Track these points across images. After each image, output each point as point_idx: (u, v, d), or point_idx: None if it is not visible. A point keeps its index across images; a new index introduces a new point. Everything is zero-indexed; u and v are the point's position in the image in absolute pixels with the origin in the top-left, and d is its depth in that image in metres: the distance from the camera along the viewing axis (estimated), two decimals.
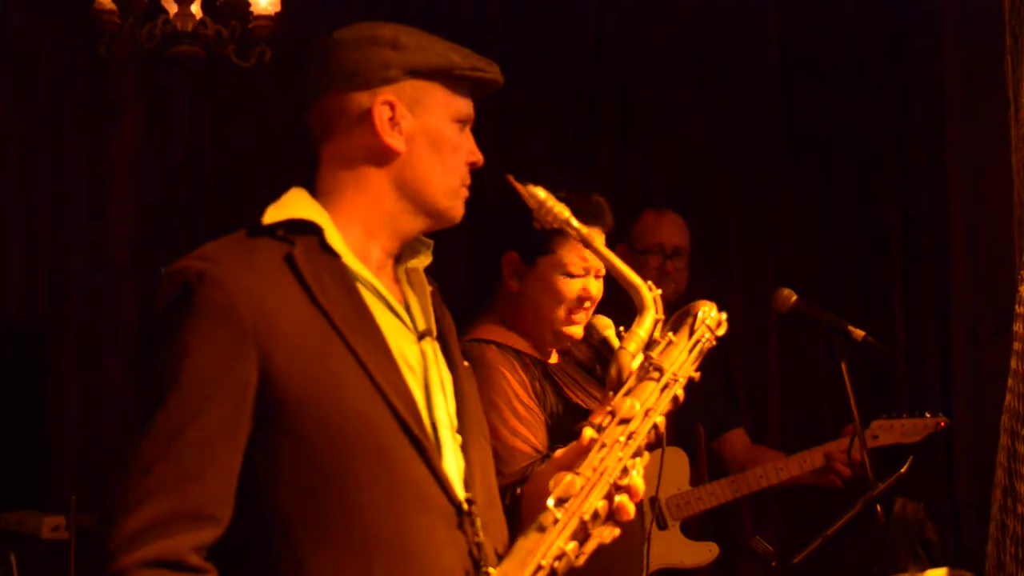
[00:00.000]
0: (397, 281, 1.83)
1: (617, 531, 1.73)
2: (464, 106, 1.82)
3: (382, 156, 1.76)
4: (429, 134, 1.78)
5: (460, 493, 1.69)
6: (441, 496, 1.66)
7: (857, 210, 5.06)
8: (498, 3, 5.08)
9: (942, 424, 3.63)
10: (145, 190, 5.06)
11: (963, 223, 4.59)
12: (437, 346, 1.80)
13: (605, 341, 2.58)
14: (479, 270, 2.75)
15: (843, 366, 3.21)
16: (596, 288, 2.70)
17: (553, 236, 2.58)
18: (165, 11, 4.22)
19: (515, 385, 2.60)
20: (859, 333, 3.23)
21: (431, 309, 1.82)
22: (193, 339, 1.56)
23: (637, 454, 1.74)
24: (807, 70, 5.11)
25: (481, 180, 1.91)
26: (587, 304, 2.68)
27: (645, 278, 1.91)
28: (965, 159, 4.60)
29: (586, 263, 2.67)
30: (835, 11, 5.05)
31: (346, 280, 1.69)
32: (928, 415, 3.64)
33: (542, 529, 1.64)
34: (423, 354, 1.76)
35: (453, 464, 1.72)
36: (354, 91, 1.75)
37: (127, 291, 5.02)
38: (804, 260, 5.04)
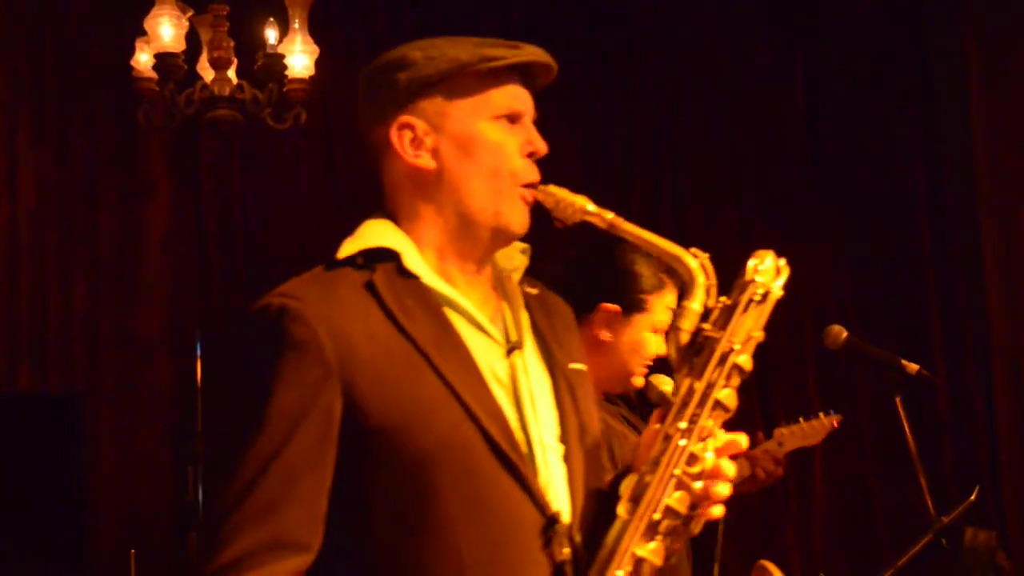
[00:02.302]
0: (496, 292, 1.79)
1: (715, 512, 1.63)
2: (504, 100, 1.73)
3: (419, 178, 1.72)
4: (459, 140, 1.71)
5: (555, 507, 1.65)
6: (535, 513, 1.63)
7: (889, 244, 5.11)
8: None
9: (835, 424, 3.60)
10: (177, 263, 5.12)
11: (995, 257, 4.64)
12: (535, 353, 1.76)
13: (664, 397, 2.61)
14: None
15: (898, 401, 3.20)
16: (663, 345, 2.75)
17: (650, 295, 2.66)
18: (201, 77, 4.30)
19: None
20: (913, 367, 3.21)
21: (522, 318, 1.77)
22: (277, 375, 1.57)
23: (707, 436, 1.62)
24: (834, 109, 5.20)
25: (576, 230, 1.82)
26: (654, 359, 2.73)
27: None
28: (996, 202, 4.66)
29: (667, 323, 2.71)
30: (859, 48, 5.15)
31: (429, 301, 1.67)
32: (822, 415, 3.52)
33: (617, 537, 1.60)
34: (512, 367, 1.71)
35: (552, 476, 1.68)
36: (376, 125, 1.74)
37: (160, 364, 5.05)
38: (841, 301, 5.08)
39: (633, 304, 2.68)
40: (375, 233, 1.71)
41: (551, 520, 1.63)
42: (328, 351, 1.57)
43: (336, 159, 5.20)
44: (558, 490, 1.68)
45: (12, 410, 4.66)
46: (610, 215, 1.73)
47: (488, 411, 1.63)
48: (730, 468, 1.63)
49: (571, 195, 1.73)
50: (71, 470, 4.63)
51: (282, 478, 1.56)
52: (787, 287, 1.66)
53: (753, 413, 4.87)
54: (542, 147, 1.75)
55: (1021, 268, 4.56)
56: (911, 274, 5.09)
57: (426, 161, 1.71)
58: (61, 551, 4.45)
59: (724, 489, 1.61)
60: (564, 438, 1.72)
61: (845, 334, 3.27)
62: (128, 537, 4.65)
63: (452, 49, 1.71)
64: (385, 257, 1.68)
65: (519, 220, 1.73)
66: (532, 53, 1.74)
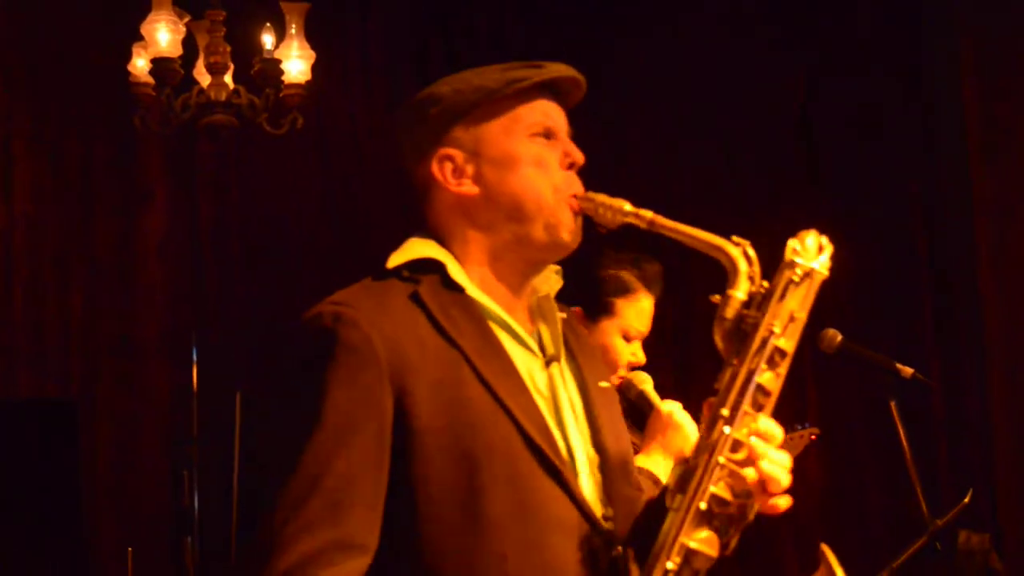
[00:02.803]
0: (530, 313, 1.83)
1: (780, 503, 1.61)
2: (538, 117, 1.79)
3: (465, 205, 1.77)
4: (500, 162, 1.76)
5: (598, 511, 1.70)
6: (578, 516, 1.67)
7: (885, 246, 5.12)
8: (515, 55, 5.18)
9: (813, 436, 3.63)
10: (173, 268, 5.13)
11: (990, 258, 4.65)
12: (567, 369, 1.81)
13: (642, 395, 2.61)
14: None
15: (893, 405, 3.21)
16: (641, 353, 2.76)
17: (618, 299, 2.69)
18: (198, 82, 4.31)
19: None
20: (907, 371, 3.22)
21: (560, 335, 1.82)
22: (333, 378, 1.61)
23: (751, 422, 1.61)
24: (829, 112, 5.22)
25: None
26: (632, 367, 2.73)
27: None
28: (991, 204, 4.68)
29: (640, 330, 2.73)
30: (855, 53, 5.17)
31: (473, 312, 1.72)
32: (798, 427, 3.53)
33: (667, 529, 1.60)
34: (551, 378, 1.77)
35: (589, 483, 1.72)
36: (418, 164, 1.80)
37: (156, 369, 5.06)
38: (837, 304, 5.08)
39: (600, 308, 2.69)
40: (419, 247, 1.77)
41: (594, 524, 1.67)
42: (381, 355, 1.62)
43: (332, 164, 5.21)
44: (595, 496, 1.72)
45: (10, 415, 4.67)
46: (649, 214, 1.73)
47: (531, 418, 1.67)
48: (775, 455, 1.61)
49: (609, 199, 1.75)
50: (68, 475, 4.64)
51: (344, 479, 1.59)
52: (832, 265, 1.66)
53: None
54: (580, 157, 1.80)
55: (1017, 270, 4.58)
56: (906, 276, 5.10)
57: (469, 188, 1.77)
58: (59, 555, 4.46)
59: (778, 473, 1.59)
60: (599, 449, 1.76)
61: (840, 338, 3.28)
62: (126, 540, 4.65)
63: (478, 79, 1.78)
64: (430, 269, 1.74)
65: (571, 230, 1.77)
66: (556, 70, 1.80)
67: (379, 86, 5.22)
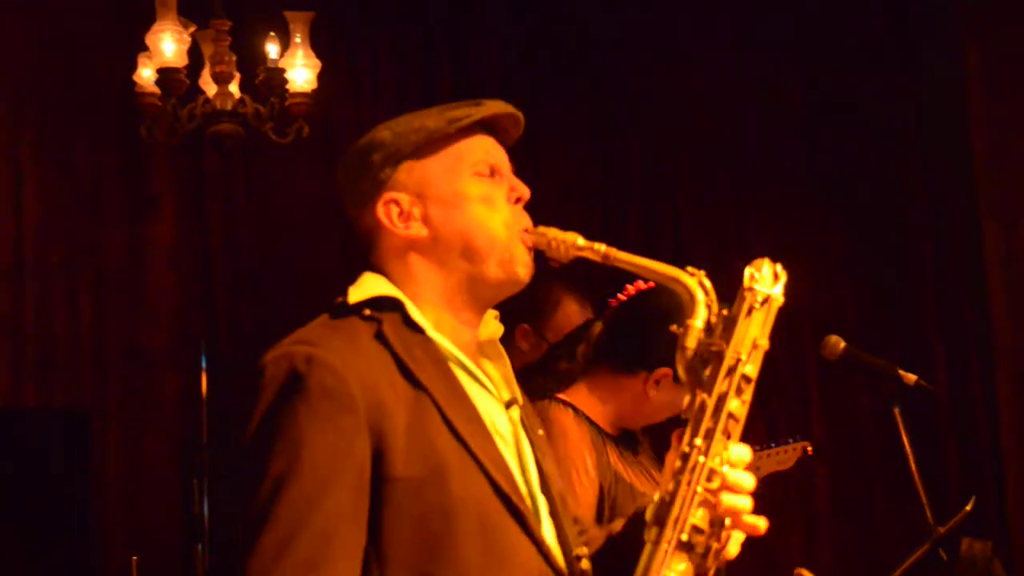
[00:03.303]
0: (475, 354, 1.81)
1: (759, 524, 1.64)
2: (481, 155, 1.78)
3: (415, 246, 1.76)
4: (445, 202, 1.75)
5: (559, 559, 1.69)
6: (543, 564, 1.67)
7: (890, 252, 5.11)
8: (521, 69, 5.20)
9: (807, 449, 3.65)
10: (181, 276, 5.15)
11: (997, 263, 4.64)
12: (522, 411, 1.81)
13: None
14: (610, 362, 2.76)
15: (896, 411, 3.20)
16: None
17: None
18: (204, 92, 4.33)
19: (582, 451, 2.63)
20: (911, 377, 3.20)
21: (512, 377, 1.82)
22: (309, 425, 1.57)
23: (722, 449, 1.63)
24: (831, 118, 5.21)
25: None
26: None
27: None
28: (998, 209, 4.66)
29: None
30: (857, 57, 5.16)
31: (435, 355, 1.70)
32: (791, 441, 3.65)
33: (647, 564, 1.59)
34: (512, 422, 1.77)
35: (549, 530, 1.73)
36: (363, 210, 1.78)
37: (166, 378, 5.08)
38: (842, 310, 5.08)
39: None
40: (378, 285, 1.74)
41: (557, 571, 1.68)
42: (358, 399, 1.58)
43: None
44: (554, 542, 1.72)
45: (19, 424, 4.69)
46: (602, 247, 1.73)
47: (497, 466, 1.66)
48: (747, 481, 1.63)
49: (561, 233, 1.75)
50: (78, 484, 4.66)
51: (322, 533, 1.54)
52: (787, 293, 1.67)
53: (756, 425, 4.87)
54: (526, 192, 1.80)
55: None
56: (912, 282, 5.09)
57: (418, 230, 1.75)
58: (68, 564, 4.47)
59: (742, 503, 1.62)
60: (546, 492, 1.76)
61: (843, 344, 3.27)
62: (134, 549, 4.67)
63: (417, 120, 1.77)
64: (389, 307, 1.71)
65: (525, 264, 1.77)
66: (495, 107, 1.80)
67: (387, 95, 5.23)
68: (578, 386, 2.77)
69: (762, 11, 5.31)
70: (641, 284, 2.74)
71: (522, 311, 3.04)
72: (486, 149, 1.79)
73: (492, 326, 1.84)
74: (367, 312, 1.69)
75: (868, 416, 4.89)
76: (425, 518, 1.59)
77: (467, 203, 1.75)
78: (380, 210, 1.76)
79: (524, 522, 1.65)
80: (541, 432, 1.86)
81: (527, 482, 1.72)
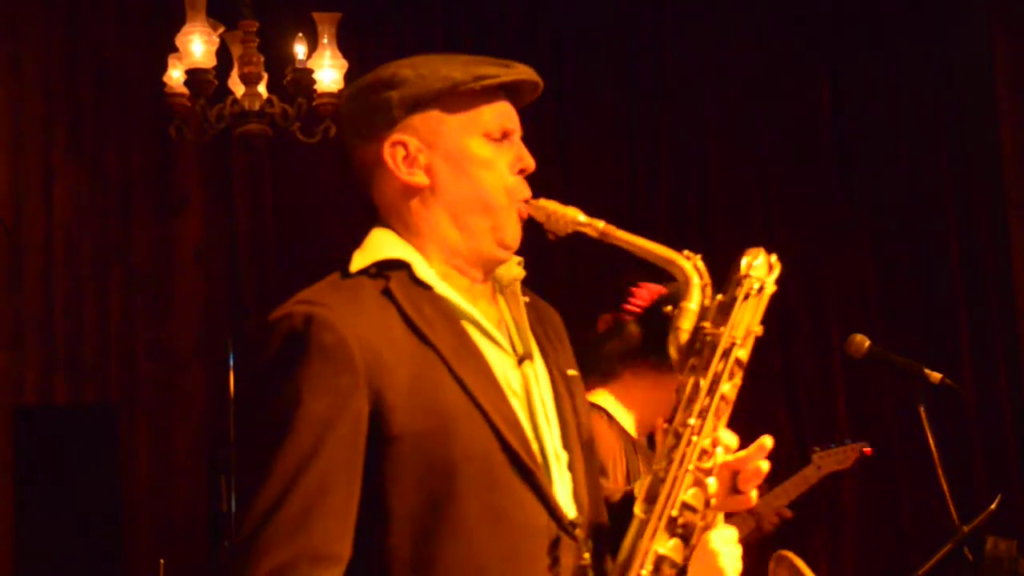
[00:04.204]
0: (494, 301, 1.80)
1: (721, 514, 1.68)
2: (494, 118, 1.74)
3: (413, 193, 1.72)
4: (452, 157, 1.72)
5: (569, 515, 1.68)
6: (550, 523, 1.65)
7: (918, 254, 5.11)
8: (552, 65, 5.23)
9: (867, 451, 3.70)
10: (210, 275, 5.19)
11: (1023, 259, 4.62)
12: (538, 364, 1.77)
13: None
14: (655, 354, 2.78)
15: (921, 410, 3.20)
16: None
17: None
18: (232, 92, 4.36)
19: (614, 456, 2.65)
20: (936, 376, 3.20)
21: (527, 328, 1.79)
22: (306, 382, 1.57)
23: (715, 430, 1.66)
24: (860, 111, 5.22)
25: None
26: None
27: None
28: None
29: None
30: (885, 50, 5.16)
31: (444, 310, 1.68)
32: (849, 442, 3.76)
33: (636, 537, 1.62)
34: (524, 377, 1.73)
35: (561, 485, 1.71)
36: (366, 143, 1.74)
37: (194, 374, 5.13)
38: (868, 307, 5.08)
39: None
40: (383, 244, 1.73)
41: (566, 530, 1.66)
42: (357, 357, 1.57)
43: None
44: (566, 498, 1.71)
45: (49, 421, 4.74)
46: (601, 224, 1.73)
47: (507, 421, 1.65)
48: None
49: (562, 207, 1.74)
50: (107, 480, 4.70)
51: (315, 488, 1.55)
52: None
53: (782, 421, 4.88)
54: (531, 163, 1.77)
55: None
56: (939, 278, 5.08)
57: (420, 178, 1.72)
58: (97, 560, 4.52)
59: (714, 486, 1.64)
60: (567, 445, 1.74)
61: (868, 343, 3.27)
62: (163, 545, 4.72)
63: (444, 67, 1.72)
64: (396, 267, 1.69)
65: (514, 236, 1.75)
66: (524, 72, 1.76)
67: None
68: (619, 381, 2.75)
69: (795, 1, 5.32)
70: (651, 286, 2.74)
71: (604, 299, 3.01)
72: (503, 112, 1.75)
73: (515, 271, 1.80)
74: (373, 271, 1.68)
75: (893, 415, 4.88)
76: (428, 474, 1.58)
77: (472, 163, 1.72)
78: (386, 149, 1.72)
79: (532, 478, 1.64)
80: (573, 372, 1.84)
81: (539, 438, 1.70)
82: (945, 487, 3.08)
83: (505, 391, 1.68)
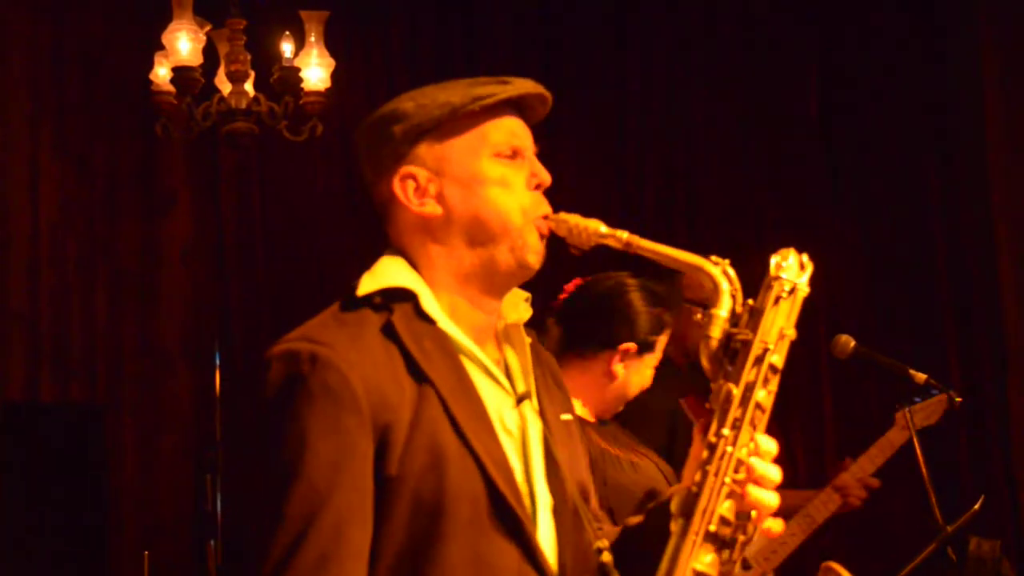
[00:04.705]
0: (497, 339, 1.78)
1: (774, 527, 1.59)
2: (502, 136, 1.73)
3: (428, 225, 1.71)
4: (462, 182, 1.71)
5: (552, 562, 1.66)
6: (529, 569, 1.63)
7: (904, 256, 5.12)
8: (537, 65, 5.23)
9: (956, 399, 3.39)
10: (196, 274, 5.18)
11: (1010, 263, 4.64)
12: (535, 405, 1.76)
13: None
14: (574, 348, 2.86)
15: (907, 410, 3.22)
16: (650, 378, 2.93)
17: (659, 337, 2.83)
18: (219, 90, 4.36)
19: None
20: (921, 376, 3.23)
21: (529, 368, 1.78)
22: (313, 425, 1.55)
23: (750, 440, 1.59)
24: (848, 116, 5.23)
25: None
26: None
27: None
28: (1011, 208, 4.66)
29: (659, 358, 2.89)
30: (873, 55, 5.17)
31: (445, 347, 1.67)
32: (935, 393, 3.39)
33: (674, 554, 1.56)
34: (522, 417, 1.73)
35: (548, 531, 1.69)
36: (379, 180, 1.74)
37: (180, 374, 5.12)
38: (856, 309, 5.08)
39: (646, 345, 2.84)
40: (392, 272, 1.71)
41: (545, 574, 1.64)
42: (361, 398, 1.56)
43: (355, 170, 5.24)
44: (549, 544, 1.69)
45: (35, 419, 4.72)
46: (624, 235, 1.69)
47: (498, 464, 1.63)
48: (774, 474, 1.59)
49: (583, 220, 1.71)
50: (92, 478, 4.69)
51: (330, 532, 1.53)
52: (812, 282, 1.65)
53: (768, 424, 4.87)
54: (547, 178, 1.75)
55: None
56: (926, 281, 5.09)
57: (432, 208, 1.71)
58: (82, 558, 4.50)
59: (768, 497, 1.58)
60: (554, 489, 1.72)
61: (853, 343, 3.28)
62: (148, 544, 4.71)
63: (443, 94, 1.71)
64: (401, 297, 1.68)
65: (536, 252, 1.72)
66: (522, 86, 1.74)
67: (402, 91, 5.24)
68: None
69: (782, 4, 5.33)
70: (579, 280, 2.88)
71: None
72: (510, 130, 1.74)
73: (521, 309, 1.79)
74: (378, 301, 1.66)
75: (879, 415, 4.89)
76: (417, 513, 1.57)
77: (484, 185, 1.70)
78: (396, 184, 1.72)
79: (518, 525, 1.62)
80: (566, 417, 1.83)
81: (530, 481, 1.69)
82: (929, 488, 3.09)
83: (499, 432, 1.67)
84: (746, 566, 3.44)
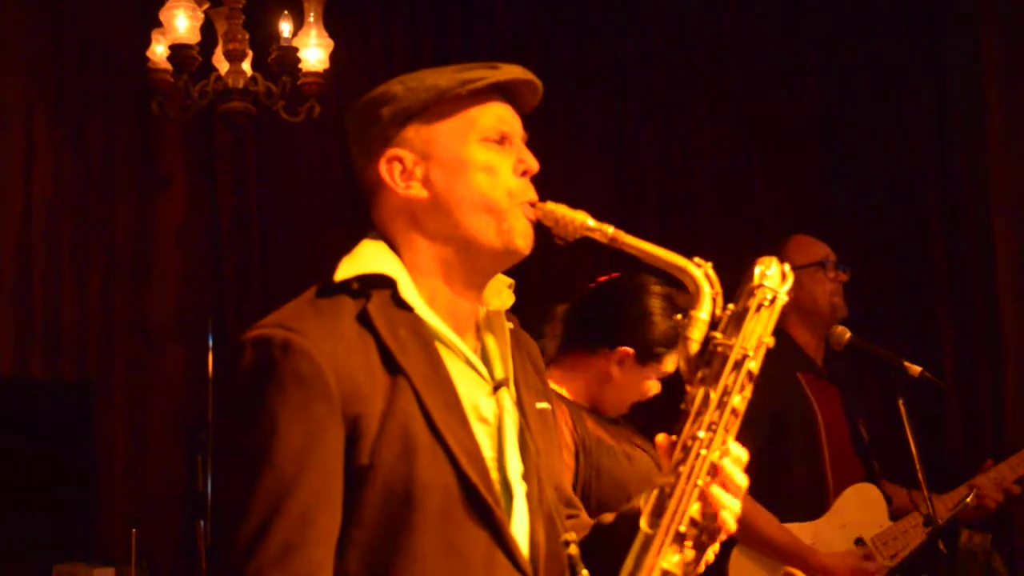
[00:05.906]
0: (477, 326, 1.78)
1: (723, 534, 1.63)
2: (489, 121, 1.73)
3: (413, 208, 1.72)
4: (448, 165, 1.71)
5: (525, 551, 1.68)
6: (505, 562, 1.65)
7: (902, 248, 5.10)
8: (537, 47, 5.21)
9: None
10: (191, 253, 5.17)
11: (1008, 257, 4.63)
12: (512, 393, 1.76)
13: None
14: (575, 341, 2.84)
15: (900, 403, 3.21)
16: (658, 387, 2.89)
17: (668, 350, 2.76)
18: (216, 69, 4.33)
19: (559, 422, 2.66)
20: (915, 369, 3.22)
21: (508, 355, 1.78)
22: (283, 411, 1.56)
23: (724, 444, 1.62)
24: (847, 109, 5.21)
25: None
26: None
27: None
28: (1009, 202, 4.65)
29: (668, 372, 2.83)
30: (873, 49, 5.16)
31: (421, 334, 1.67)
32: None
33: (640, 552, 1.59)
34: (499, 405, 1.73)
35: (522, 518, 1.70)
36: (367, 163, 1.75)
37: (172, 353, 5.11)
38: (853, 301, 5.07)
39: (648, 354, 2.79)
40: (372, 256, 1.71)
41: (520, 567, 1.65)
42: (333, 386, 1.57)
43: (351, 152, 5.22)
44: (522, 533, 1.69)
45: (25, 395, 4.71)
46: (611, 229, 1.70)
47: (469, 454, 1.63)
48: (741, 480, 1.62)
49: (570, 211, 1.71)
50: (82, 456, 4.69)
51: (296, 520, 1.54)
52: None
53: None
54: (534, 165, 1.75)
55: None
56: (922, 272, 5.08)
57: (418, 191, 1.72)
58: (71, 535, 4.51)
59: (732, 502, 1.61)
60: (528, 477, 1.73)
61: (848, 335, 3.29)
62: (136, 522, 4.69)
63: (431, 78, 1.72)
64: (380, 283, 1.67)
65: (524, 236, 1.73)
66: (511, 72, 1.74)
67: (401, 73, 5.23)
68: (554, 365, 2.84)
69: (783, 3, 5.31)
70: (615, 275, 2.85)
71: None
72: (498, 115, 1.74)
73: (504, 296, 1.80)
74: (355, 287, 1.66)
75: (873, 407, 4.89)
76: (388, 502, 1.58)
77: (469, 169, 1.71)
78: (383, 166, 1.73)
79: (489, 515, 1.63)
80: (543, 405, 1.83)
81: (503, 470, 1.69)
82: (922, 480, 3.09)
83: (473, 421, 1.67)
84: (868, 557, 3.39)
